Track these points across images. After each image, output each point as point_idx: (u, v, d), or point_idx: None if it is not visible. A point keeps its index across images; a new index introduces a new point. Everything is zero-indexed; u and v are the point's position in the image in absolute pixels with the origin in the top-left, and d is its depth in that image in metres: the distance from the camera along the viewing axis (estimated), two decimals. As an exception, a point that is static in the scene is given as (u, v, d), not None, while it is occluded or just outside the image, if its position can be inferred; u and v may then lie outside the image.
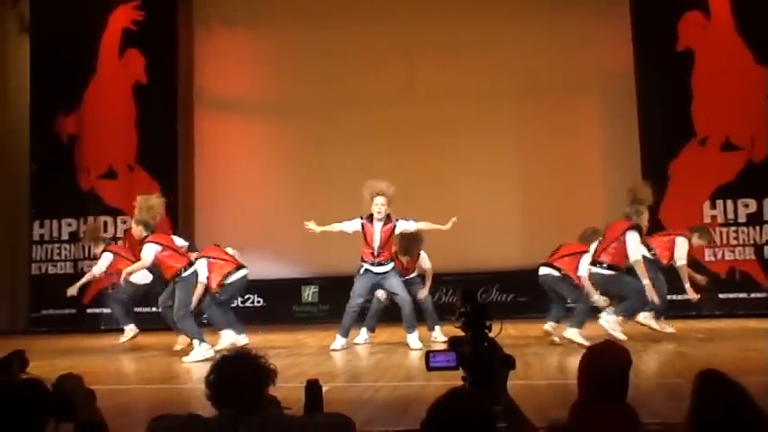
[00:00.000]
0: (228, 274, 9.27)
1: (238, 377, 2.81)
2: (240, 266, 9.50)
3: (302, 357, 8.29)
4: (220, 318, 9.18)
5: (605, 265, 8.44)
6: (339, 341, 9.29)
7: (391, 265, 9.43)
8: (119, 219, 13.87)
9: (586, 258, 8.77)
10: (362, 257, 9.37)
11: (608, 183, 13.71)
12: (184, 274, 8.44)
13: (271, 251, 13.99)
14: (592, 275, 8.59)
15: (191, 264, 8.62)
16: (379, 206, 9.25)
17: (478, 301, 2.87)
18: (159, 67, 14.00)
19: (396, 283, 9.38)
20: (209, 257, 9.29)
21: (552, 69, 13.90)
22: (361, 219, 9.31)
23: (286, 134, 14.75)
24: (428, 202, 12.95)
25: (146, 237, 8.50)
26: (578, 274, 8.71)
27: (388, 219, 9.34)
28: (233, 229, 14.12)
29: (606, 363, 2.91)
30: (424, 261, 10.04)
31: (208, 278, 9.12)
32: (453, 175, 13.86)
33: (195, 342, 8.33)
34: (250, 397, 2.79)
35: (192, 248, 9.55)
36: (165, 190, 12.94)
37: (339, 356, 8.56)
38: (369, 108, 14.12)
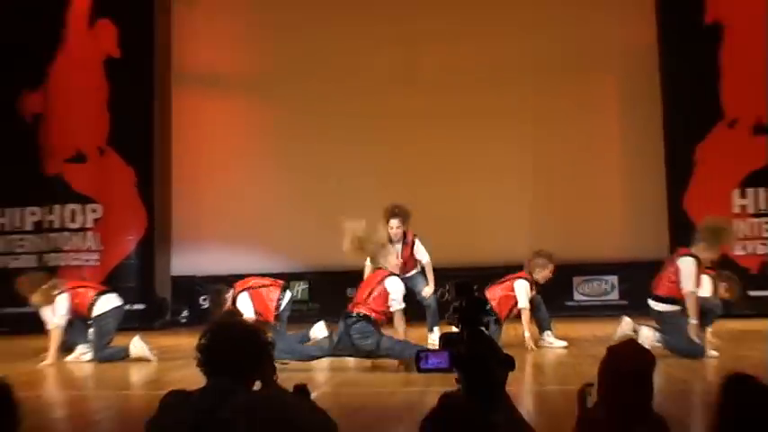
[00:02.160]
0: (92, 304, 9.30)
1: (233, 343, 2.85)
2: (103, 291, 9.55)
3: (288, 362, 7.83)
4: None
5: None
6: None
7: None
8: (88, 207, 13.71)
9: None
10: None
11: (627, 169, 13.81)
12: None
13: (256, 244, 13.95)
14: None
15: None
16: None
17: (474, 295, 2.84)
18: (133, 39, 13.75)
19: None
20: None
21: (566, 46, 13.73)
22: None
23: (275, 117, 14.51)
24: (432, 193, 13.17)
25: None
26: None
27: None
28: (214, 221, 14.23)
29: (629, 362, 2.91)
30: (421, 252, 9.71)
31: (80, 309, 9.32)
32: (458, 164, 13.76)
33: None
34: (246, 365, 2.83)
35: None
36: (140, 175, 13.64)
37: (327, 362, 8.17)
38: (367, 91, 14.03)
